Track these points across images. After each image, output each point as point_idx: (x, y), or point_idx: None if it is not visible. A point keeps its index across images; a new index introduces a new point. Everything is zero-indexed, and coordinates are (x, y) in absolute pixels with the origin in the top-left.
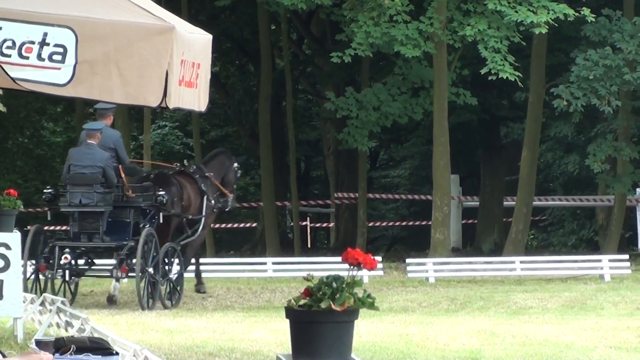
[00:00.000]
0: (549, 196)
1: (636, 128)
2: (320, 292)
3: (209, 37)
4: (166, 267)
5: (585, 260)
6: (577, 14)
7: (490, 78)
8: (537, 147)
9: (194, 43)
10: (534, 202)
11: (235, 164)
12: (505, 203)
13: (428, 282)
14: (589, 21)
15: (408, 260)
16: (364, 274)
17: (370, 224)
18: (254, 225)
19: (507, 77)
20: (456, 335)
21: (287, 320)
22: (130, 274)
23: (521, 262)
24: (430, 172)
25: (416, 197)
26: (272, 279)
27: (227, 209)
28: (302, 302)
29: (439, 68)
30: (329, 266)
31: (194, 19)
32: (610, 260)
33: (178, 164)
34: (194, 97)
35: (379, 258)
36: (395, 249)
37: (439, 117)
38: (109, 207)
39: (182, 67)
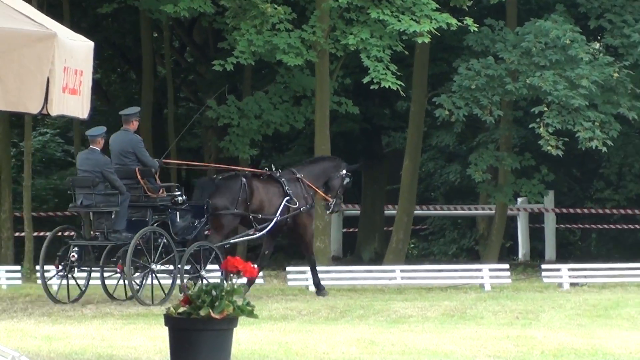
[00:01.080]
0: (430, 205)
1: (517, 138)
2: (200, 300)
3: (91, 44)
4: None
5: (465, 269)
6: (459, 24)
7: (372, 87)
8: (418, 157)
9: (76, 50)
10: (415, 211)
11: (344, 171)
12: (386, 212)
13: (308, 291)
14: (472, 31)
15: (288, 269)
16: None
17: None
18: None
19: (389, 86)
20: (335, 343)
21: (167, 328)
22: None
23: (401, 270)
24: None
25: None
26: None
27: (329, 212)
28: (181, 309)
29: (321, 77)
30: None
31: (76, 26)
32: (490, 270)
33: (267, 169)
34: (77, 104)
35: None
36: (275, 257)
37: (320, 126)
38: (116, 207)
39: (65, 74)
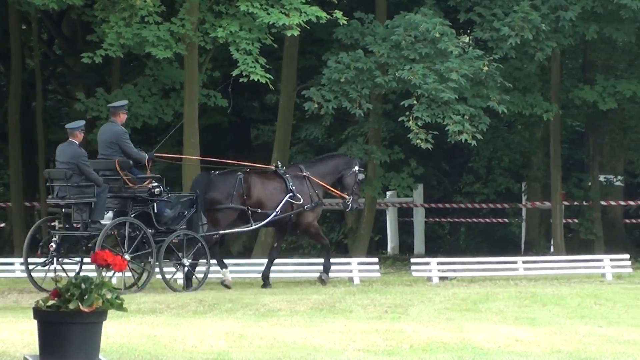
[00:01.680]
0: None
1: (387, 131)
2: (69, 293)
3: None
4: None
5: (334, 263)
6: (329, 17)
7: (241, 80)
8: (287, 150)
9: None
10: None
11: (356, 167)
12: None
13: (177, 284)
14: (341, 24)
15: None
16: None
17: None
18: (3, 225)
19: (258, 80)
20: (204, 337)
21: (36, 321)
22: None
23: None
24: (180, 172)
25: None
26: (20, 279)
27: (348, 209)
28: (50, 302)
29: (190, 70)
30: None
31: None
32: (359, 264)
33: (274, 166)
34: None
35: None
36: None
37: (189, 119)
38: (92, 198)
39: None
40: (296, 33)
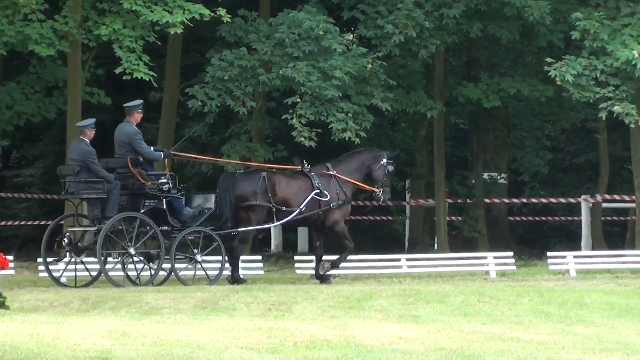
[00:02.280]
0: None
1: (270, 129)
2: None
3: None
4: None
5: (219, 260)
6: (213, 14)
7: (124, 78)
8: (170, 147)
9: None
10: None
11: (384, 160)
12: None
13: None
14: (225, 22)
15: (40, 260)
16: None
17: (2, 223)
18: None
19: (141, 77)
20: (87, 335)
21: None
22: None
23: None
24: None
25: (49, 196)
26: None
27: (381, 201)
28: None
29: (74, 67)
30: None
31: None
32: (242, 261)
33: (300, 166)
34: None
35: (10, 257)
36: (27, 248)
37: (72, 117)
38: (101, 194)
39: None
40: (179, 31)
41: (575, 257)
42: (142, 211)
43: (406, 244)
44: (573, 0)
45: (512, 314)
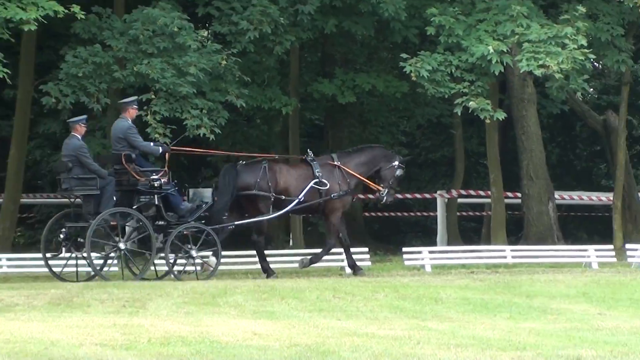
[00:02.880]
0: (37, 193)
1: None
2: None
3: None
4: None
5: (64, 258)
6: (67, 11)
7: None
8: (25, 144)
9: None
10: (21, 200)
11: (396, 163)
12: None
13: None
14: (79, 18)
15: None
16: None
17: None
18: None
19: None
20: None
21: None
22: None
23: (7, 259)
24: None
25: None
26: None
27: (382, 202)
28: None
29: None
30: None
31: None
32: (97, 258)
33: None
34: None
35: None
36: None
37: None
38: (94, 190)
39: None
40: (33, 28)
41: (430, 252)
42: (135, 207)
43: None
44: None
45: (368, 310)
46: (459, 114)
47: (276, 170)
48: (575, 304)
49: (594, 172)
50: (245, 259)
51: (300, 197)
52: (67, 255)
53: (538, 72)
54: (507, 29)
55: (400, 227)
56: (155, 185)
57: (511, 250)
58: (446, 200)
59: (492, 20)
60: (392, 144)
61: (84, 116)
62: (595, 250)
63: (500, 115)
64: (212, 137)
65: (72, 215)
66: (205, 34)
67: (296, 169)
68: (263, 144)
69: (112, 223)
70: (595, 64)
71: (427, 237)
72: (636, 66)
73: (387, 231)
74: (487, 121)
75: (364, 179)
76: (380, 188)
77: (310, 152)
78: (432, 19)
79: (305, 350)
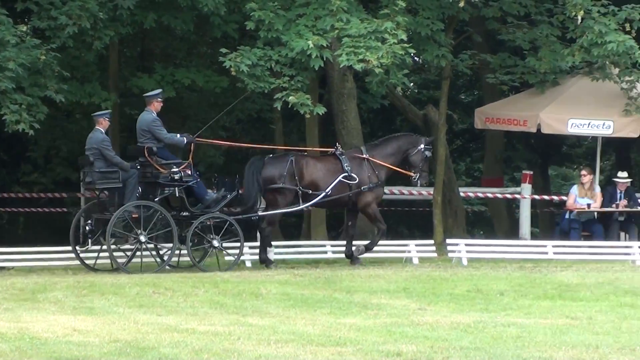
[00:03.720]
0: None
1: None
2: None
3: None
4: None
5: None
6: None
7: None
8: None
9: None
10: None
11: (422, 145)
12: None
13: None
14: None
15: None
16: None
17: None
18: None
19: None
20: None
21: None
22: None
23: None
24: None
25: None
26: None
27: (418, 185)
28: None
29: None
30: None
31: None
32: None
33: (334, 149)
34: None
35: None
36: None
37: None
38: (116, 183)
39: None
40: None
41: (250, 247)
42: (157, 199)
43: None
44: None
45: (188, 305)
46: (279, 108)
47: (302, 164)
48: (395, 299)
49: None
50: (65, 255)
51: (327, 190)
52: (96, 247)
53: (358, 67)
54: (327, 24)
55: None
56: (176, 177)
57: (331, 246)
58: None
59: (312, 15)
60: (212, 138)
61: (108, 111)
62: (416, 245)
63: (320, 110)
64: (31, 132)
65: (99, 207)
66: (25, 28)
67: (324, 163)
68: (83, 139)
69: (133, 215)
70: (415, 58)
71: (246, 232)
72: (456, 61)
73: None
74: (307, 116)
75: (395, 168)
76: (412, 174)
77: (339, 146)
78: (251, 14)
79: (125, 346)
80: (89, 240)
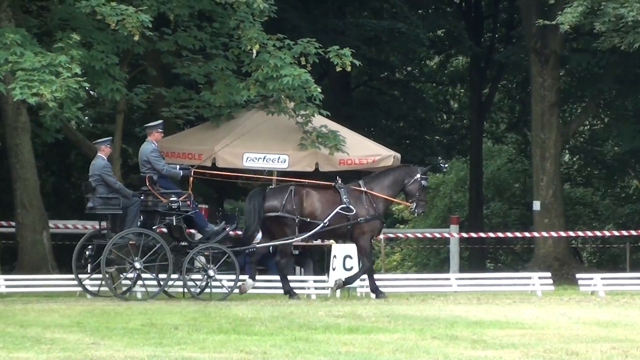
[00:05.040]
0: None
1: None
2: None
3: None
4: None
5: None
6: None
7: None
8: None
9: None
10: None
11: (418, 175)
12: None
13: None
14: None
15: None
16: None
17: None
18: None
19: None
20: None
21: None
22: None
23: None
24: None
25: None
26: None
27: (416, 215)
28: None
29: None
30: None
31: None
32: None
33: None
34: None
35: None
36: None
37: None
38: (117, 210)
39: None
40: None
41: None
42: (155, 227)
43: None
44: None
45: None
46: None
47: (302, 194)
48: (69, 333)
49: None
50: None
51: (325, 221)
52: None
53: (32, 101)
54: (1, 58)
55: None
56: (174, 207)
57: (5, 280)
58: None
59: None
60: None
61: (109, 138)
62: None
63: None
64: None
65: (100, 234)
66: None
67: (324, 195)
68: None
69: (131, 242)
70: (90, 92)
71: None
72: (131, 94)
73: None
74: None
75: (392, 199)
76: (409, 204)
77: (339, 180)
78: None
79: None
80: (89, 266)
